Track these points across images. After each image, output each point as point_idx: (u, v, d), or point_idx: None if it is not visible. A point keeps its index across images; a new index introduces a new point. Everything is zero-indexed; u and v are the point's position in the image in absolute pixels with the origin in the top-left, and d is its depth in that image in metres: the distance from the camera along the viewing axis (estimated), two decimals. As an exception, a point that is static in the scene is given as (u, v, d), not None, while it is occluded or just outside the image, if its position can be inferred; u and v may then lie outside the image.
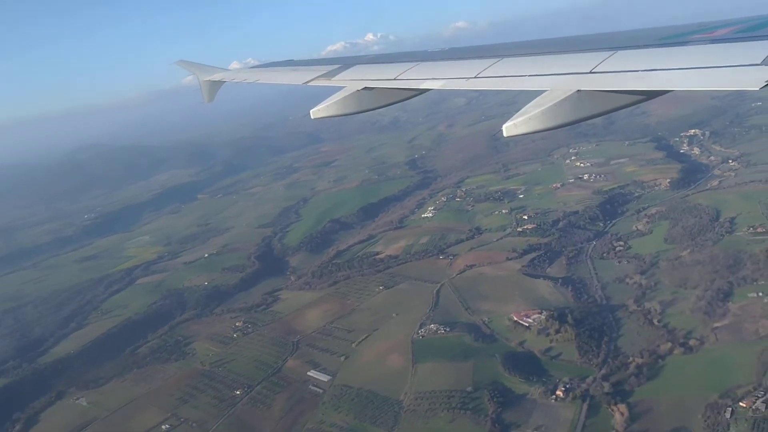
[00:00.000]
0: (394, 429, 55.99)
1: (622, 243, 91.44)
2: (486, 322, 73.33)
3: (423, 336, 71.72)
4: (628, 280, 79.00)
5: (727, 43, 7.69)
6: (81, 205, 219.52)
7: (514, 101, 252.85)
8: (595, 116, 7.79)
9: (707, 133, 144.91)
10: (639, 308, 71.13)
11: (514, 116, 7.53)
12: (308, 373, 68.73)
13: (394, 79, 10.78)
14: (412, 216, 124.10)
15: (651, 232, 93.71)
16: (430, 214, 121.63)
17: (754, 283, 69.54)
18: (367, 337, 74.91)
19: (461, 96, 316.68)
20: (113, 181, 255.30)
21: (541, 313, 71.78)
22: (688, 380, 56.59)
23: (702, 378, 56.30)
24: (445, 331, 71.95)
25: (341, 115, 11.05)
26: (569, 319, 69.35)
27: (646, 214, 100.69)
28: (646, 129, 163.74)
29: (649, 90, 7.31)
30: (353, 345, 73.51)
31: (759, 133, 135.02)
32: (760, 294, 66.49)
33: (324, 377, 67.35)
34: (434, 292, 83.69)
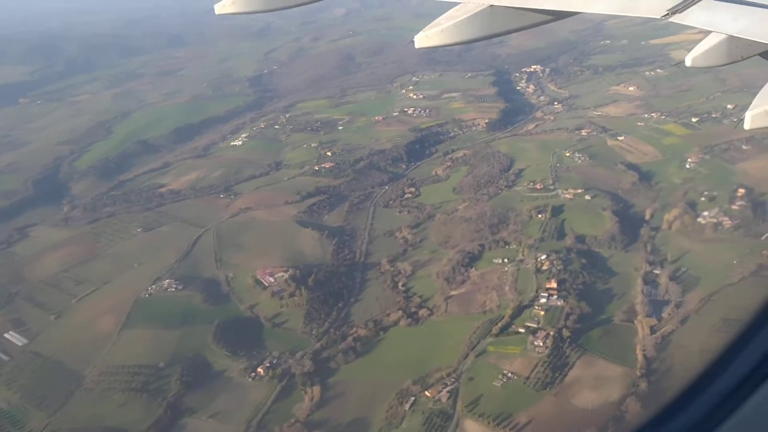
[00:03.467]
0: (56, 413, 49.03)
1: (413, 189, 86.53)
2: (229, 279, 66.77)
3: (150, 294, 64.28)
4: (398, 233, 74.30)
5: None
6: None
7: (389, 17, 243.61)
8: (506, 33, 7.99)
9: (547, 70, 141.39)
10: (391, 269, 66.71)
11: (426, 27, 7.53)
12: (5, 335, 59.96)
13: None
14: (222, 143, 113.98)
15: (448, 179, 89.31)
16: (240, 143, 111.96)
17: (506, 246, 66.47)
18: (93, 291, 66.59)
19: (343, 5, 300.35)
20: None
21: (286, 271, 65.95)
22: (398, 359, 52.96)
23: (411, 357, 52.80)
24: (176, 288, 64.76)
25: (247, 13, 10.50)
26: (310, 280, 63.91)
27: (451, 158, 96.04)
28: (495, 60, 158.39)
29: (557, 10, 7.42)
30: (74, 301, 65.10)
31: (592, 74, 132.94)
32: (505, 260, 63.43)
33: (21, 341, 58.97)
34: (194, 238, 75.88)
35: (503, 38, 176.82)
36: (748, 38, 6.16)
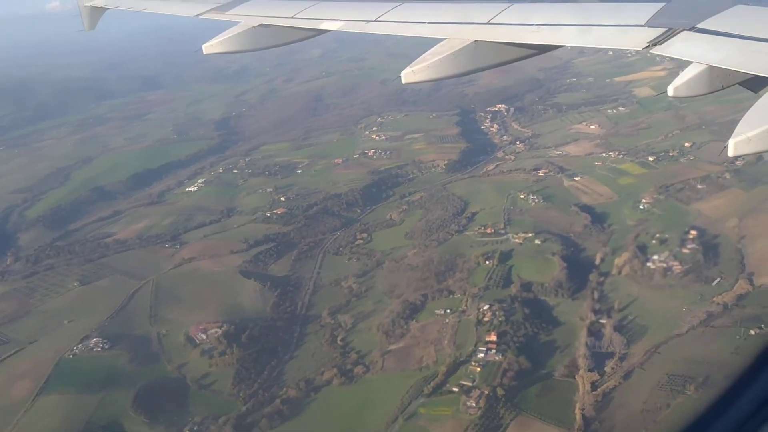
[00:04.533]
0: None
1: (365, 235, 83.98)
2: (161, 336, 63.53)
3: (75, 354, 60.80)
4: (344, 283, 71.54)
5: (615, 3, 8.18)
6: None
7: (364, 57, 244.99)
8: (492, 67, 8.21)
9: (511, 108, 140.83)
10: (332, 321, 63.80)
11: (413, 63, 7.75)
12: None
13: (292, 18, 10.57)
14: (178, 189, 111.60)
15: (402, 223, 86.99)
16: (196, 188, 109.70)
17: (450, 296, 63.85)
18: (17, 351, 62.92)
19: (319, 47, 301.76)
20: None
21: (220, 327, 62.86)
22: (326, 423, 49.85)
23: (340, 420, 49.75)
24: (103, 347, 61.38)
25: (235, 52, 10.90)
26: (244, 336, 60.85)
27: (407, 201, 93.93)
28: (462, 100, 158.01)
29: (542, 44, 7.76)
30: (-7, 364, 61.45)
31: (556, 112, 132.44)
32: (448, 311, 60.77)
33: (-73, 411, 55.01)
34: (131, 291, 72.70)
35: (472, 77, 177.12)
36: (727, 67, 6.24)
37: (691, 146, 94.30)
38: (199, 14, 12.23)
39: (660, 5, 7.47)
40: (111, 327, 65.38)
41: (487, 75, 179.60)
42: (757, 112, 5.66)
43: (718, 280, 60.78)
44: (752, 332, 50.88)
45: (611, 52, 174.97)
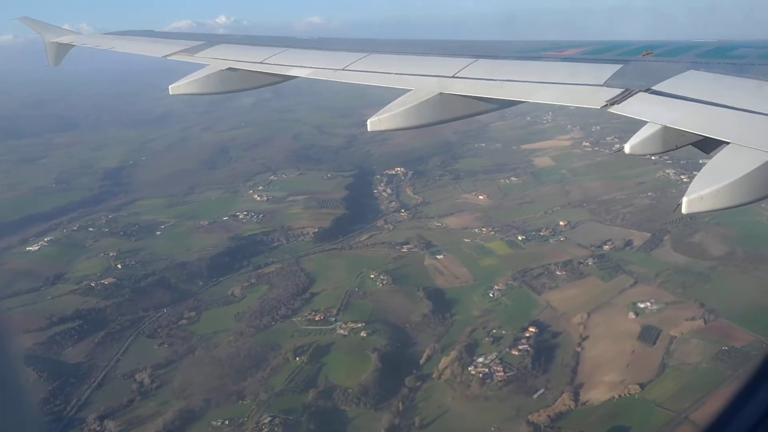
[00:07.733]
0: None
1: (194, 314, 74.45)
2: None
3: None
4: (139, 375, 61.55)
5: (575, 63, 8.34)
6: None
7: (292, 109, 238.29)
8: (455, 119, 8.46)
9: (409, 173, 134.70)
10: (97, 429, 53.60)
11: (379, 112, 8.00)
12: None
13: (261, 63, 10.87)
14: (19, 248, 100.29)
15: (242, 300, 77.77)
16: (37, 248, 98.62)
17: (239, 402, 54.49)
18: None
19: (254, 95, 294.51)
20: None
21: (-47, 434, 51.86)
22: None
23: None
24: None
25: (202, 94, 10.99)
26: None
27: (259, 274, 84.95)
28: (367, 159, 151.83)
29: (504, 99, 7.96)
30: None
31: (451, 179, 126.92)
32: (225, 423, 51.34)
33: None
34: None
35: (384, 136, 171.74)
36: (681, 128, 6.32)
37: (565, 225, 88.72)
38: (168, 55, 12.55)
39: (617, 67, 7.56)
40: None
41: (399, 135, 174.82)
42: (709, 172, 5.59)
43: (541, 391, 53.16)
44: (551, 469, 42.88)
45: (529, 118, 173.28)
